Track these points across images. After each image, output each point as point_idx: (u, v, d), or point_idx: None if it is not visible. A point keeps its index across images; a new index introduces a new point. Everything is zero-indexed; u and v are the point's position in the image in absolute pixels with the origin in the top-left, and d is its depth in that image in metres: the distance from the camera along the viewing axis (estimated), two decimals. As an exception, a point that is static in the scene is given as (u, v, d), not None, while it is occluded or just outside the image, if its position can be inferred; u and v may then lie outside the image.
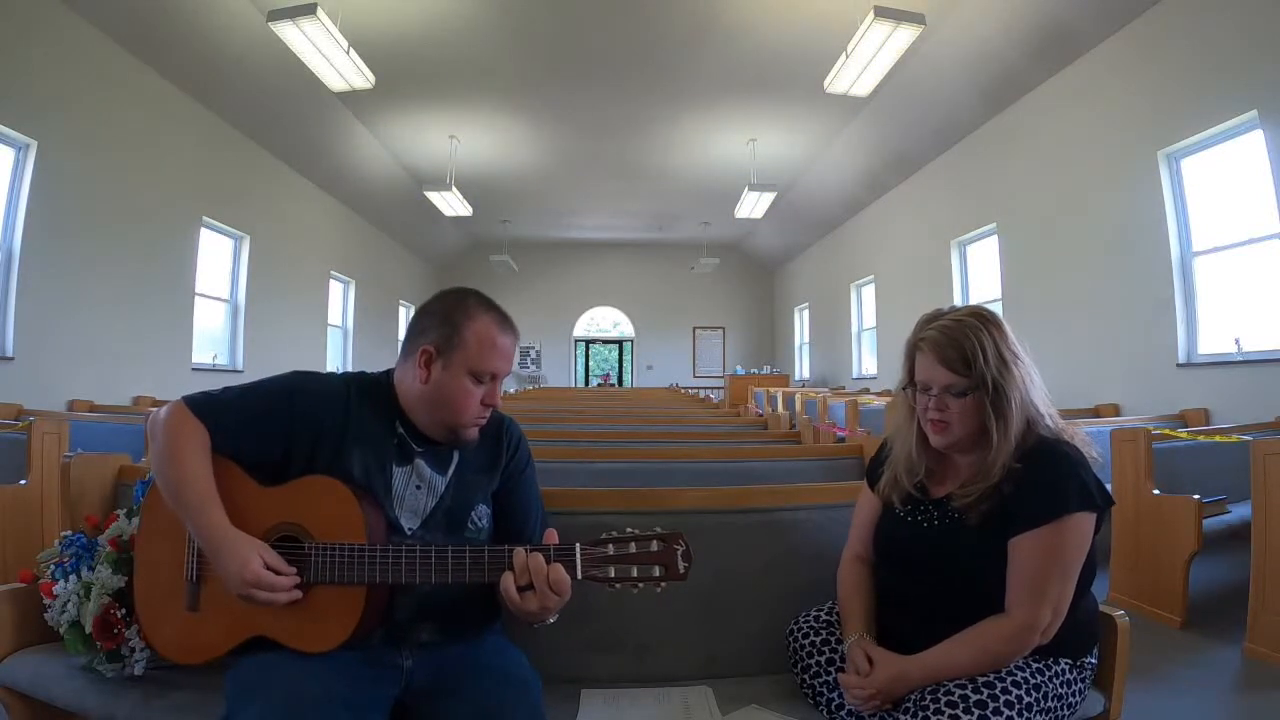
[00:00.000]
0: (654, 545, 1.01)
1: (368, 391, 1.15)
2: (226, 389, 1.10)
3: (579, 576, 1.00)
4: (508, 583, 0.98)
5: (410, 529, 1.09)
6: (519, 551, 0.99)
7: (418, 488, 1.12)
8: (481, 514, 1.16)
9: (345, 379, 1.16)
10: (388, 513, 1.08)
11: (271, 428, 1.07)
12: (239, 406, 1.08)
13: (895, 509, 1.19)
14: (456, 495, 1.14)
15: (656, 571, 1.00)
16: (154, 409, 1.09)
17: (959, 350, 1.07)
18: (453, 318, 1.11)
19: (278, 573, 0.98)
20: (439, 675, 1.04)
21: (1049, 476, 1.02)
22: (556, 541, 1.02)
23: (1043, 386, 1.11)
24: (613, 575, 1.00)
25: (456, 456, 1.16)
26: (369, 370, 1.22)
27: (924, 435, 1.14)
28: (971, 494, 1.07)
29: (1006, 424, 1.05)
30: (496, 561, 1.00)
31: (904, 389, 1.16)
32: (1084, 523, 1.01)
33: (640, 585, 1.00)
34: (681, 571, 1.00)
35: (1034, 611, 0.99)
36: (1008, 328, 1.11)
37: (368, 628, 1.01)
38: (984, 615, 1.02)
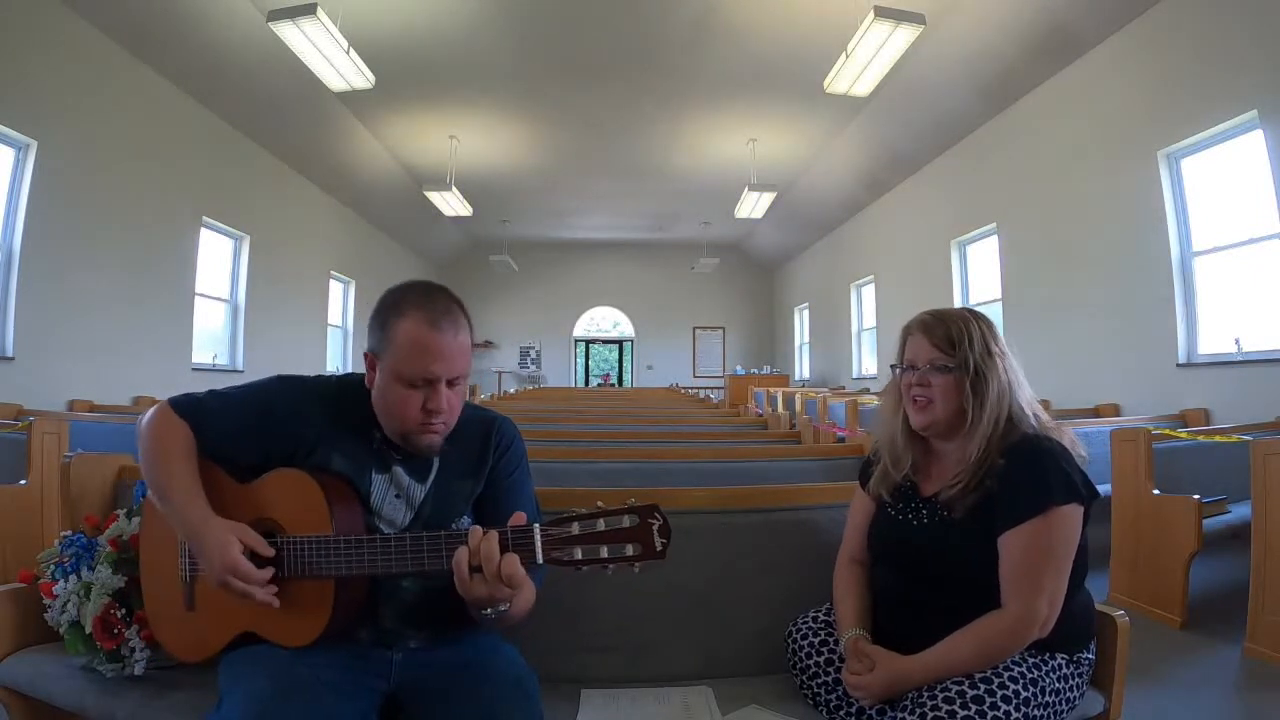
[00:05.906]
0: (626, 521, 0.89)
1: (349, 396, 1.10)
2: (210, 392, 1.10)
3: (539, 560, 0.90)
4: (460, 557, 0.90)
5: (391, 534, 1.07)
6: (475, 530, 0.92)
7: (396, 497, 1.09)
8: (464, 525, 1.11)
9: (326, 383, 1.13)
10: (365, 517, 1.05)
11: (252, 432, 1.06)
12: (221, 410, 1.07)
13: (887, 507, 1.21)
14: (435, 507, 1.09)
15: (630, 550, 0.89)
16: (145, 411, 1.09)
17: (946, 331, 1.15)
18: (384, 317, 1.02)
19: (257, 554, 0.97)
20: (432, 675, 1.03)
21: (1031, 471, 1.04)
22: (524, 523, 0.93)
23: (1028, 388, 1.15)
24: (579, 557, 0.89)
25: (436, 463, 1.10)
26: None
27: (909, 423, 1.19)
28: (956, 484, 1.10)
29: (983, 405, 1.10)
30: (454, 546, 0.93)
31: (893, 367, 1.23)
32: (1070, 515, 1.02)
33: (612, 566, 0.89)
34: (659, 549, 0.89)
35: (1030, 604, 1.00)
36: (999, 331, 1.18)
37: (343, 621, 1.00)
38: (979, 611, 1.03)
